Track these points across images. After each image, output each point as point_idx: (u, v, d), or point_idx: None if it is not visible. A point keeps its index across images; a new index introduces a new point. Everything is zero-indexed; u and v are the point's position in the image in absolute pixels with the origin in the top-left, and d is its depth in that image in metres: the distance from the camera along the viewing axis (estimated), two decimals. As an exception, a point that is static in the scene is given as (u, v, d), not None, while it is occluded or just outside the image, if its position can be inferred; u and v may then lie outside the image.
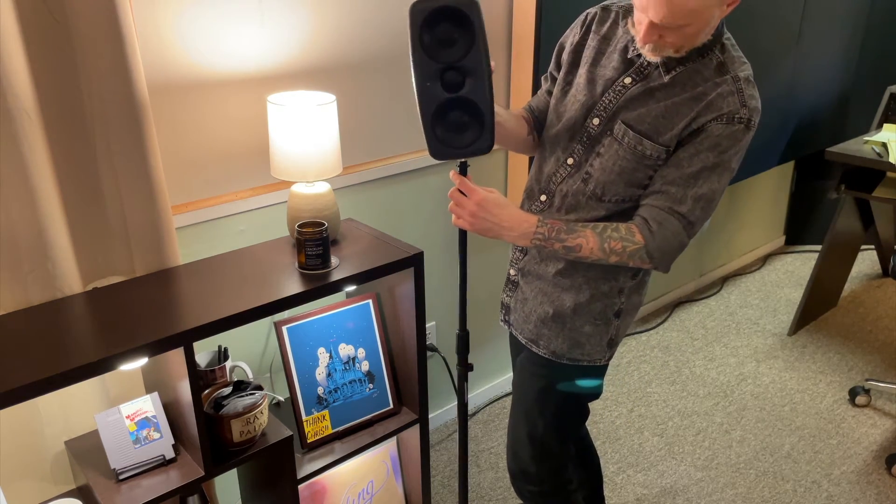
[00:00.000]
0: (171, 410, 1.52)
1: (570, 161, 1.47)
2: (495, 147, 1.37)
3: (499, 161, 2.43)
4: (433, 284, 2.37)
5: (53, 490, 1.57)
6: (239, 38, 1.71)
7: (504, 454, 2.49)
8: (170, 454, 1.50)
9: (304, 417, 1.73)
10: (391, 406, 1.87)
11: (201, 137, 1.72)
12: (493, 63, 1.31)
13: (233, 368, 1.71)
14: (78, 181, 1.48)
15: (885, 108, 3.15)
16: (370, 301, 1.83)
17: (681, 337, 3.27)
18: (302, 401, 1.73)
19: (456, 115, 1.29)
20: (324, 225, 1.58)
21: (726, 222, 3.67)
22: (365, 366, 1.83)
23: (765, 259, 4.04)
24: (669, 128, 1.35)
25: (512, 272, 1.63)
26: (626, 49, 1.40)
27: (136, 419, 1.49)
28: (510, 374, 2.06)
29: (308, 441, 1.74)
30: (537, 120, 1.59)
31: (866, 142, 2.97)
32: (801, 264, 3.96)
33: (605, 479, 2.38)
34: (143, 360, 1.39)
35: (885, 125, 3.08)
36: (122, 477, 1.45)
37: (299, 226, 1.58)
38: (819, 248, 3.21)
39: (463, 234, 1.44)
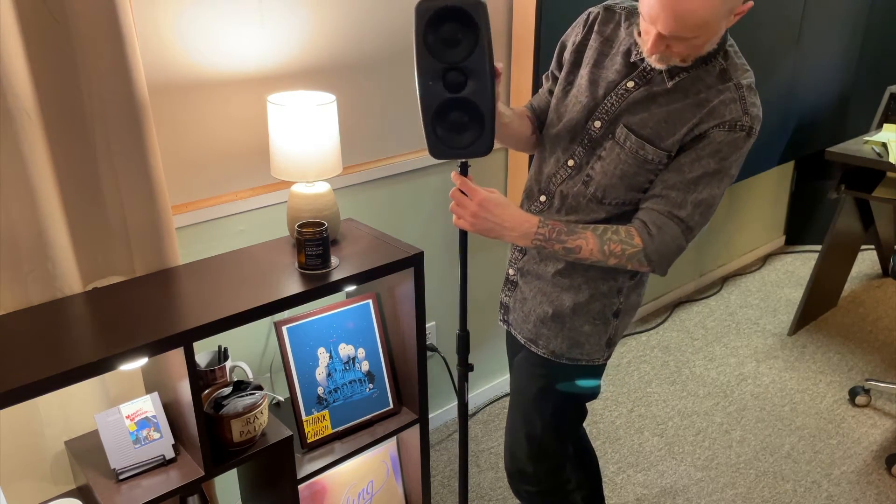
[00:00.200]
0: (171, 410, 1.52)
1: (570, 163, 1.47)
2: (497, 146, 1.37)
3: (499, 161, 2.43)
4: (433, 284, 2.37)
5: (53, 490, 1.57)
6: (239, 38, 1.71)
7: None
8: (170, 454, 1.50)
9: (304, 417, 1.73)
10: (391, 406, 1.87)
11: (201, 137, 1.72)
12: (499, 65, 1.31)
13: (233, 368, 1.71)
14: (78, 181, 1.48)
15: (885, 108, 3.15)
16: (370, 301, 1.83)
17: (681, 337, 3.27)
18: (302, 401, 1.73)
19: (456, 115, 1.29)
20: (324, 225, 1.58)
21: (726, 222, 3.67)
22: (365, 366, 1.83)
23: (765, 259, 4.04)
24: (672, 133, 1.35)
25: (511, 272, 1.63)
26: (628, 52, 1.39)
27: (136, 419, 1.49)
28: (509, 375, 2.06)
29: (308, 441, 1.74)
30: (539, 119, 1.59)
31: (866, 142, 2.97)
32: (801, 264, 3.96)
33: (605, 479, 2.38)
34: (143, 360, 1.39)
35: (885, 125, 3.08)
36: (122, 477, 1.45)
37: (299, 226, 1.58)
38: (819, 248, 3.21)
39: (463, 234, 1.44)
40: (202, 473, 1.47)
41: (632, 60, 1.39)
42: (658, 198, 1.39)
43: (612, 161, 1.41)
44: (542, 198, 1.53)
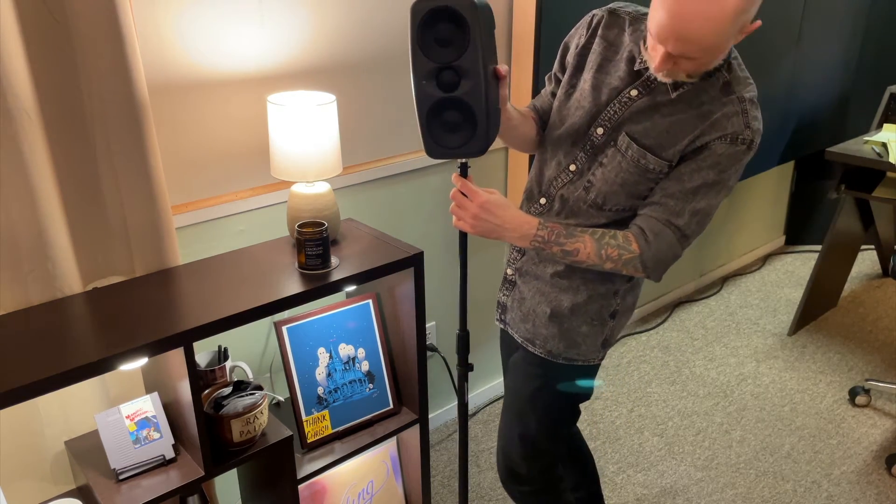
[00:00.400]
0: (171, 410, 1.52)
1: (572, 167, 1.48)
2: (497, 146, 1.37)
3: (499, 161, 2.43)
4: (433, 284, 2.37)
5: (53, 490, 1.57)
6: (239, 38, 1.71)
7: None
8: (170, 454, 1.50)
9: (304, 417, 1.73)
10: (391, 406, 1.87)
11: (201, 137, 1.72)
12: (504, 67, 1.31)
13: (233, 368, 1.71)
14: (78, 181, 1.48)
15: (885, 108, 3.15)
16: (370, 301, 1.83)
17: (681, 337, 3.27)
18: (302, 401, 1.73)
19: (451, 114, 1.30)
20: (324, 225, 1.58)
21: (726, 222, 3.67)
22: (365, 366, 1.83)
23: (765, 259, 4.04)
24: (673, 143, 1.36)
25: (509, 272, 1.63)
26: (632, 59, 1.39)
27: (136, 419, 1.49)
28: (510, 374, 2.06)
29: (308, 441, 1.74)
30: (542, 120, 1.59)
31: (866, 142, 2.97)
32: (801, 264, 3.96)
33: (605, 479, 2.38)
34: (143, 360, 1.39)
35: (885, 125, 3.08)
36: (122, 477, 1.45)
37: (299, 226, 1.58)
38: (819, 248, 3.22)
39: (463, 235, 1.45)
40: (202, 473, 1.47)
41: (636, 69, 1.39)
42: (656, 205, 1.40)
43: (614, 169, 1.42)
44: (543, 200, 1.53)
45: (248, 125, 1.79)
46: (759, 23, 1.25)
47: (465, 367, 1.56)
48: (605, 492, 2.32)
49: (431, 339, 2.45)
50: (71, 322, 1.40)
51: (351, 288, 1.66)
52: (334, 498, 1.93)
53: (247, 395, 1.55)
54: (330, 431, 1.77)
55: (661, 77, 1.33)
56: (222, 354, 1.67)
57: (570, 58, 1.51)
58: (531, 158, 1.70)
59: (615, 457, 2.51)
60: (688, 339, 3.25)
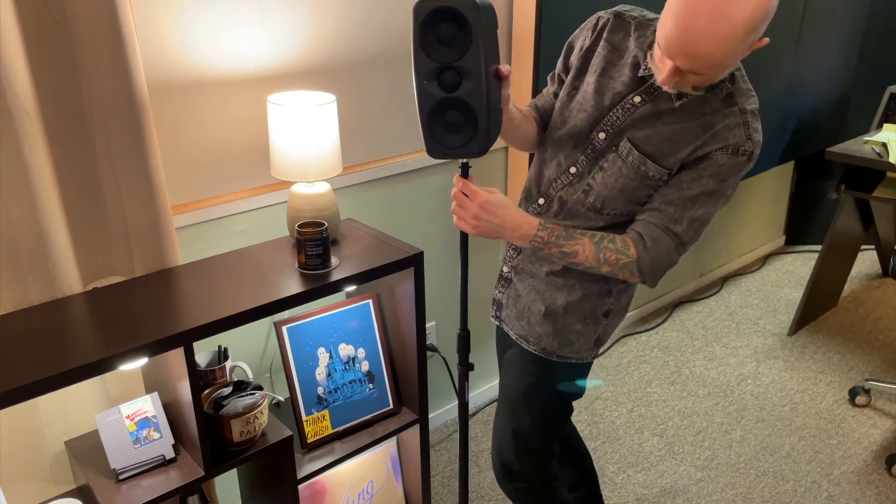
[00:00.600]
0: (171, 410, 1.52)
1: (572, 170, 1.48)
2: (498, 146, 1.37)
3: (499, 161, 2.43)
4: (433, 284, 2.37)
5: (53, 490, 1.57)
6: (239, 38, 1.71)
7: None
8: (170, 454, 1.50)
9: (304, 417, 1.73)
10: (391, 406, 1.87)
11: (201, 137, 1.72)
12: (507, 67, 1.31)
13: (233, 368, 1.71)
14: (78, 181, 1.48)
15: (885, 108, 3.15)
16: (370, 301, 1.83)
17: (681, 337, 3.27)
18: (302, 401, 1.73)
19: (452, 115, 1.30)
20: (324, 225, 1.58)
21: (726, 222, 3.67)
22: (365, 366, 1.83)
23: (765, 259, 4.04)
24: (675, 152, 1.37)
25: (505, 269, 1.64)
26: (637, 65, 1.40)
27: (136, 419, 1.49)
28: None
29: (308, 441, 1.74)
30: (543, 120, 1.59)
31: (866, 142, 2.97)
32: (801, 264, 3.96)
33: (605, 479, 2.38)
34: (143, 360, 1.39)
35: (885, 125, 3.08)
36: (122, 477, 1.45)
37: (299, 226, 1.58)
38: (819, 248, 3.22)
39: (464, 234, 1.45)
40: (202, 473, 1.47)
41: (640, 75, 1.39)
42: (655, 211, 1.40)
43: (614, 174, 1.42)
44: (541, 200, 1.54)
45: (248, 125, 1.79)
46: (766, 40, 1.26)
47: (466, 367, 1.56)
48: (605, 492, 2.32)
49: (431, 339, 2.45)
50: (71, 322, 1.40)
51: (351, 288, 1.66)
52: (334, 498, 1.93)
53: (247, 395, 1.55)
54: (330, 431, 1.77)
55: (667, 88, 1.34)
56: (222, 354, 1.67)
57: (573, 59, 1.51)
58: (531, 158, 1.70)
59: (615, 457, 2.51)
60: (688, 339, 3.25)
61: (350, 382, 1.81)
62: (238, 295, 1.49)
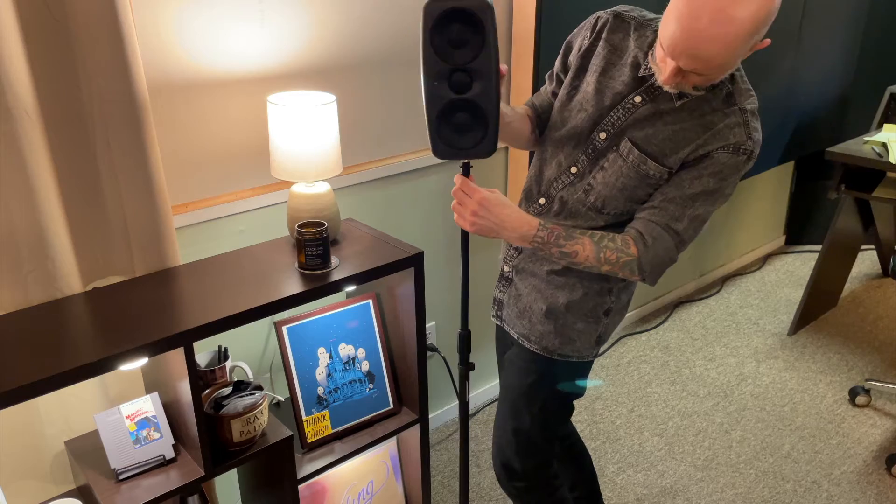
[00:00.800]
0: (171, 410, 1.52)
1: (573, 170, 1.48)
2: (500, 144, 1.37)
3: (499, 161, 2.43)
4: (433, 284, 2.37)
5: (53, 490, 1.57)
6: (239, 38, 1.71)
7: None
8: (170, 454, 1.50)
9: (304, 417, 1.73)
10: (391, 406, 1.87)
11: (201, 137, 1.72)
12: (504, 67, 1.31)
13: (233, 368, 1.71)
14: (78, 181, 1.47)
15: (885, 108, 3.15)
16: (370, 301, 1.83)
17: (681, 337, 3.27)
18: (302, 401, 1.73)
19: (461, 116, 1.29)
20: (324, 225, 1.58)
21: (726, 222, 3.67)
22: (365, 366, 1.83)
23: (765, 259, 4.04)
24: (675, 151, 1.38)
25: (506, 269, 1.64)
26: (637, 65, 1.40)
27: (136, 419, 1.49)
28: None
29: (308, 441, 1.74)
30: (540, 118, 1.59)
31: (866, 142, 2.97)
32: (801, 264, 3.96)
33: (604, 479, 2.38)
34: (143, 360, 1.39)
35: (885, 125, 3.08)
36: (122, 477, 1.45)
37: (299, 226, 1.58)
38: (819, 248, 3.22)
39: (465, 234, 1.45)
40: (202, 473, 1.47)
41: (640, 75, 1.39)
42: (656, 209, 1.41)
43: (614, 173, 1.42)
44: (542, 200, 1.54)
45: (248, 125, 1.79)
46: (768, 41, 1.27)
47: (466, 367, 1.56)
48: (605, 492, 2.32)
49: (431, 339, 2.45)
50: (71, 322, 1.40)
51: (351, 288, 1.66)
52: (334, 498, 1.93)
53: (247, 395, 1.55)
54: (330, 431, 1.77)
55: (668, 88, 1.34)
56: (222, 354, 1.67)
57: (572, 58, 1.51)
58: (531, 157, 1.70)
59: (615, 457, 2.51)
60: (688, 339, 3.25)
61: (350, 382, 1.81)
62: (238, 295, 1.49)
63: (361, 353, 1.82)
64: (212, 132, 1.74)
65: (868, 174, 2.96)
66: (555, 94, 1.57)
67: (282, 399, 1.86)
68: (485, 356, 2.68)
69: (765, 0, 1.18)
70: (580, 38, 1.51)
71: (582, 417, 2.69)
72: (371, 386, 1.84)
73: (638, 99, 1.40)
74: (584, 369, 1.66)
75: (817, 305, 3.38)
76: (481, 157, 1.33)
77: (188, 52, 1.64)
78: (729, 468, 2.46)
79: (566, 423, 1.84)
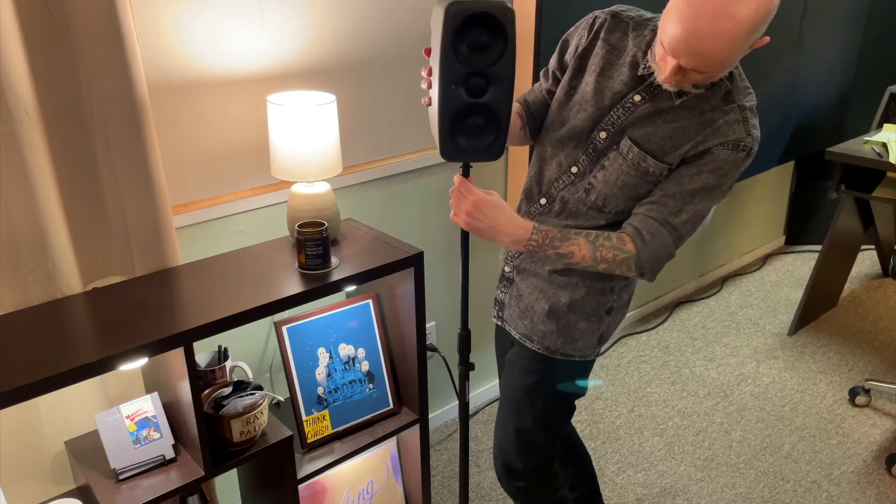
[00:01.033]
0: (171, 410, 1.52)
1: (573, 169, 1.48)
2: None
3: (499, 161, 2.43)
4: (433, 284, 2.37)
5: (53, 490, 1.57)
6: (239, 38, 1.71)
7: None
8: (170, 454, 1.50)
9: (304, 417, 1.73)
10: (391, 406, 1.87)
11: (201, 137, 1.72)
12: None
13: (233, 368, 1.71)
14: (78, 181, 1.47)
15: (885, 108, 3.15)
16: (370, 301, 1.83)
17: (681, 337, 3.27)
18: (302, 401, 1.73)
19: (473, 119, 1.29)
20: (324, 225, 1.58)
21: (726, 222, 3.67)
22: (365, 366, 1.83)
23: (765, 259, 4.04)
24: (675, 148, 1.38)
25: (507, 269, 1.64)
26: (636, 64, 1.40)
27: (136, 419, 1.49)
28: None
29: (308, 441, 1.74)
30: (532, 116, 1.59)
31: (866, 142, 2.97)
32: (801, 264, 3.96)
33: (604, 479, 2.38)
34: (143, 360, 1.39)
35: (885, 125, 3.08)
36: (122, 477, 1.45)
37: (299, 226, 1.58)
38: (819, 248, 3.22)
39: (465, 233, 1.45)
40: (202, 473, 1.47)
41: (639, 73, 1.40)
42: (654, 204, 1.41)
43: (615, 171, 1.43)
44: (543, 200, 1.54)
45: (248, 125, 1.79)
46: (767, 38, 1.27)
47: (467, 367, 1.56)
48: (605, 492, 2.32)
49: (431, 339, 2.45)
50: (71, 322, 1.40)
51: (351, 288, 1.66)
52: (334, 498, 1.93)
53: (247, 395, 1.55)
54: (330, 431, 1.77)
55: (668, 87, 1.34)
56: (222, 354, 1.67)
57: (569, 58, 1.51)
58: (530, 157, 1.70)
59: (615, 457, 2.51)
60: (688, 339, 3.25)
61: (350, 382, 1.81)
62: (238, 295, 1.49)
63: (361, 353, 1.82)
64: (212, 132, 1.74)
65: (868, 174, 2.97)
66: (549, 92, 1.57)
67: (282, 399, 1.86)
68: (485, 356, 2.67)
69: None
70: (577, 36, 1.51)
71: (582, 417, 2.69)
72: (371, 386, 1.84)
73: (637, 98, 1.40)
74: (585, 368, 1.66)
75: (817, 305, 3.38)
76: (491, 159, 1.33)
77: (188, 52, 1.64)
78: (729, 468, 2.46)
79: (567, 422, 1.85)
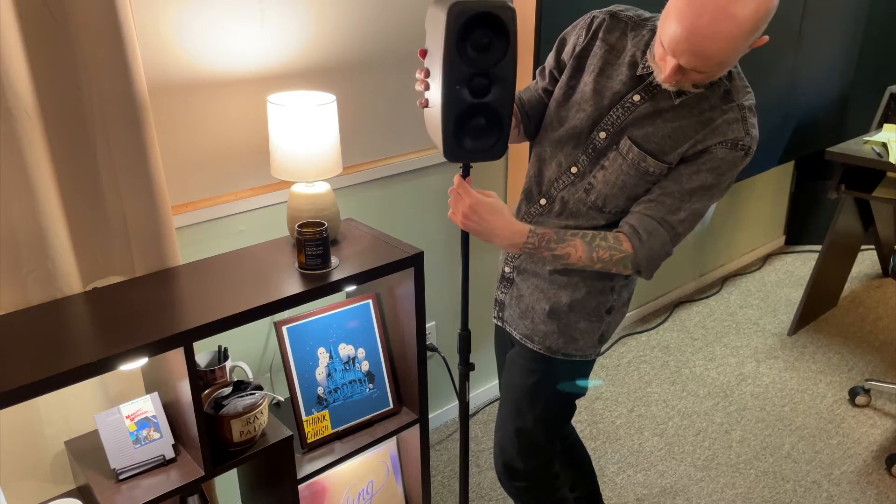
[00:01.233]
0: (171, 410, 1.52)
1: (573, 170, 1.48)
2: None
3: (499, 162, 2.43)
4: (433, 284, 2.37)
5: (53, 490, 1.57)
6: (239, 38, 1.71)
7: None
8: (170, 454, 1.50)
9: (304, 417, 1.73)
10: (391, 406, 1.87)
11: (201, 137, 1.72)
12: None
13: (233, 368, 1.71)
14: (78, 181, 1.48)
15: (885, 108, 3.15)
16: (370, 301, 1.83)
17: (681, 337, 3.27)
18: (302, 401, 1.73)
19: (476, 120, 1.29)
20: (324, 225, 1.58)
21: (726, 222, 3.67)
22: (365, 366, 1.83)
23: (765, 259, 4.04)
24: (674, 148, 1.38)
25: (507, 269, 1.64)
26: (634, 63, 1.40)
27: (136, 419, 1.49)
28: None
29: (308, 441, 1.74)
30: (527, 115, 1.59)
31: (866, 142, 2.97)
32: (801, 264, 3.96)
33: (604, 479, 2.38)
34: (143, 360, 1.39)
35: (885, 125, 3.09)
36: (122, 477, 1.45)
37: (299, 226, 1.58)
38: (819, 248, 3.22)
39: (465, 233, 1.45)
40: (202, 473, 1.47)
41: (638, 73, 1.40)
42: (652, 203, 1.41)
43: (615, 171, 1.43)
44: (543, 201, 1.54)
45: (248, 125, 1.79)
46: (766, 38, 1.27)
47: (467, 367, 1.56)
48: (605, 492, 2.32)
49: (431, 339, 2.45)
50: (71, 322, 1.40)
51: (351, 288, 1.66)
52: (334, 498, 1.93)
53: (247, 395, 1.55)
54: (330, 431, 1.77)
55: (668, 87, 1.34)
56: (222, 354, 1.67)
57: (567, 57, 1.51)
58: (530, 156, 1.71)
59: (615, 457, 2.51)
60: (688, 339, 3.25)
61: (350, 382, 1.81)
62: (238, 295, 1.49)
63: (361, 353, 1.82)
64: (212, 132, 1.74)
65: (868, 174, 2.97)
66: (546, 91, 1.57)
67: (282, 399, 1.86)
68: (485, 356, 2.68)
69: None
70: (574, 36, 1.51)
71: (582, 417, 2.69)
72: (371, 386, 1.84)
73: (637, 98, 1.40)
74: (586, 368, 1.66)
75: (817, 305, 3.38)
76: (493, 159, 1.34)
77: (188, 52, 1.64)
78: (729, 468, 2.46)
79: (568, 423, 1.85)
